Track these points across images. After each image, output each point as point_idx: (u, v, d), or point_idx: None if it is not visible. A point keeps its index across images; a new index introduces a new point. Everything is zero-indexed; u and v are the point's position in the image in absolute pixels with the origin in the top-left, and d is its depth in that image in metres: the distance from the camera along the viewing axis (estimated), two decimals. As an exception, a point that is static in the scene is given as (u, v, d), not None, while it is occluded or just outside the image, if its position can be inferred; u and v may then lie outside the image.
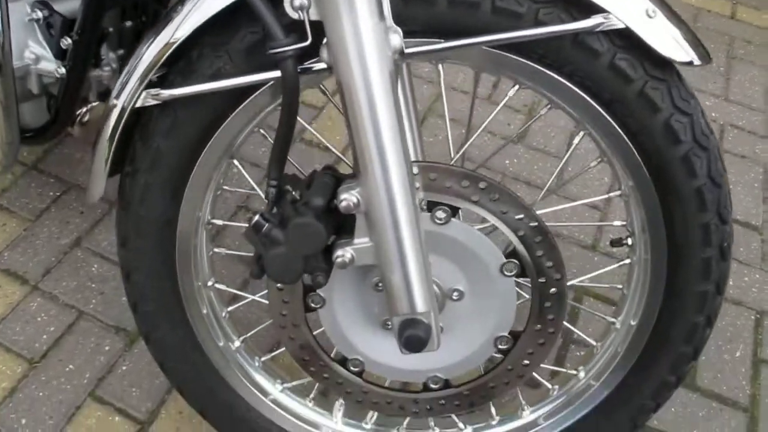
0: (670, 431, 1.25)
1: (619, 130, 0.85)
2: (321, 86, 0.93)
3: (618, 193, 0.94)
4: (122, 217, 0.95)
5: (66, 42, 1.04)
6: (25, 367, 1.24)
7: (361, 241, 0.84)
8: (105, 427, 1.19)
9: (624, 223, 0.97)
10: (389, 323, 0.95)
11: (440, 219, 0.87)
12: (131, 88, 0.85)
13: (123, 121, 0.87)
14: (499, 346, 0.95)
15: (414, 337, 0.86)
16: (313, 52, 0.78)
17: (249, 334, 1.06)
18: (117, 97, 0.87)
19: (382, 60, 0.76)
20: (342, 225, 0.86)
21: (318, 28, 0.75)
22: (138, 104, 0.86)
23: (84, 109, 1.19)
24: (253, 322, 1.11)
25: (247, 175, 0.95)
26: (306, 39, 0.76)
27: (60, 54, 1.09)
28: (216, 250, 1.04)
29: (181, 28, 0.83)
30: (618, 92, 0.82)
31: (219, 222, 1.00)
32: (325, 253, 0.85)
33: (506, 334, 0.95)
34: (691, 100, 0.84)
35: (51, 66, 1.10)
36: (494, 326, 0.94)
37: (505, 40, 0.79)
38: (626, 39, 0.79)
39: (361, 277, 0.93)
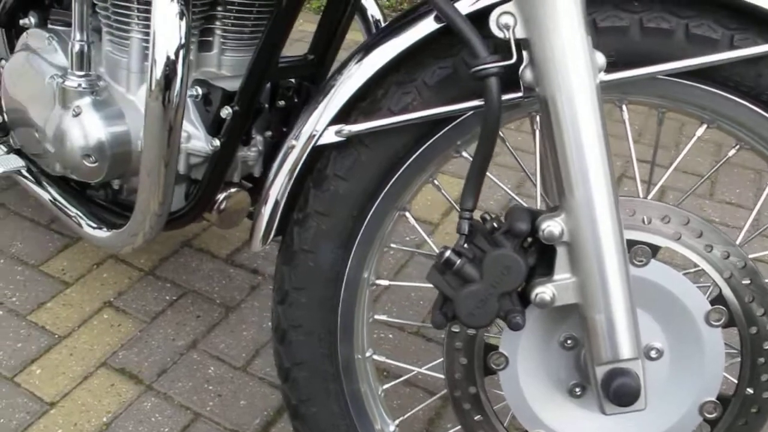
0: None
1: (827, 164, 0.80)
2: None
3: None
4: (285, 271, 0.90)
5: (226, 111, 1.05)
6: (139, 469, 1.13)
7: (562, 276, 0.77)
8: None
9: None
10: (578, 389, 0.85)
11: (639, 260, 0.81)
12: (313, 126, 0.84)
13: (302, 161, 0.85)
14: (706, 415, 0.84)
15: (624, 386, 0.76)
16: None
17: (407, 416, 0.96)
18: (296, 137, 0.86)
19: (590, 77, 0.74)
20: (533, 265, 0.80)
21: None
22: (320, 142, 0.84)
23: (224, 195, 1.18)
24: (406, 406, 1.00)
25: (419, 227, 0.90)
26: (510, 58, 0.75)
27: (213, 130, 1.10)
28: (377, 317, 0.96)
29: (368, 66, 0.84)
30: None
31: (384, 283, 0.94)
32: (519, 293, 0.79)
33: (713, 399, 0.84)
34: None
35: (201, 144, 1.11)
36: (699, 390, 0.83)
37: (711, 63, 0.77)
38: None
39: (548, 335, 0.85)
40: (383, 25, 1.34)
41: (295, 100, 1.14)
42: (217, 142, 1.08)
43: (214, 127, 1.10)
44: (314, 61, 1.12)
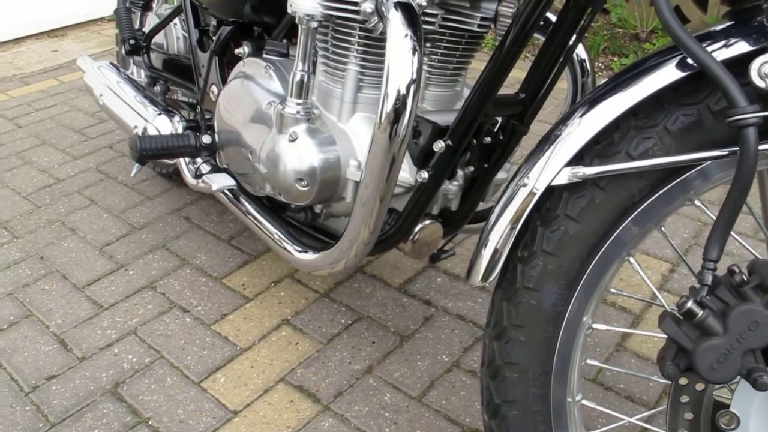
0: None
1: None
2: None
3: None
4: (505, 307, 0.90)
5: (439, 145, 1.08)
6: (321, 488, 1.16)
7: (819, 340, 0.74)
8: None
9: None
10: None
11: None
12: (544, 166, 0.85)
13: (535, 200, 0.86)
14: None
15: None
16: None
17: (610, 465, 0.93)
18: (527, 176, 0.87)
19: None
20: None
21: None
22: (555, 182, 0.85)
23: (420, 226, 1.20)
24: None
25: (645, 277, 0.88)
26: (771, 108, 0.73)
27: (419, 162, 1.12)
28: (589, 361, 0.95)
29: (607, 108, 0.84)
30: None
31: (601, 327, 0.93)
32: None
33: None
34: None
35: (406, 175, 1.13)
36: None
37: None
38: None
39: (783, 398, 0.81)
40: (590, 73, 1.34)
41: (501, 137, 1.15)
42: (425, 174, 1.10)
43: (420, 159, 1.13)
44: (525, 100, 1.13)
